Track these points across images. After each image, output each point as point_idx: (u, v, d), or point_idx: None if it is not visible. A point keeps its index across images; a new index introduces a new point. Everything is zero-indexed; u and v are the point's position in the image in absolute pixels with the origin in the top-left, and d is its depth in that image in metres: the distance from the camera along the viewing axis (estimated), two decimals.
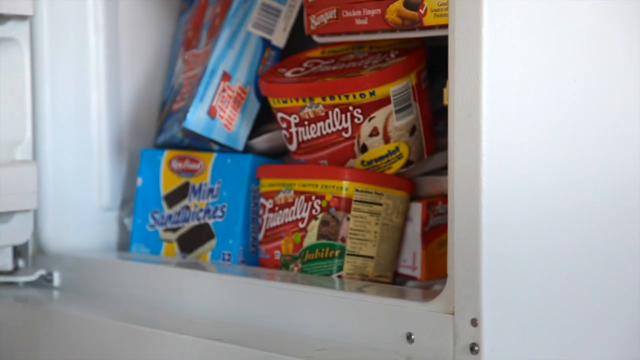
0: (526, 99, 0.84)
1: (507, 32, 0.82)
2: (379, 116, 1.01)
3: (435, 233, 1.06)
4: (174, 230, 1.16)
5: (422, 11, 0.96)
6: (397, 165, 1.04)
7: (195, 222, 1.14)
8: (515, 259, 0.83)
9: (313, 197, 1.03)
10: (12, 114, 1.15)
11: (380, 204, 1.03)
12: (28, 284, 1.17)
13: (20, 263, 1.19)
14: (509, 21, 0.82)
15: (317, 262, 1.03)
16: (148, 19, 1.26)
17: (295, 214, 1.05)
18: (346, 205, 1.02)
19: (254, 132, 1.16)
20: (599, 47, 0.88)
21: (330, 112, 1.02)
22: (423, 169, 1.08)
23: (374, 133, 1.02)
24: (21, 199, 1.10)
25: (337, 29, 1.03)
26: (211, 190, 1.13)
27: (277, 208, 1.07)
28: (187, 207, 1.15)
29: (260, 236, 1.08)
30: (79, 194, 1.21)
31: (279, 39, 1.14)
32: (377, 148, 1.03)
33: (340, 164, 1.04)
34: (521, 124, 0.83)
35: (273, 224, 1.07)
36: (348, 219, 1.02)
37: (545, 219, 0.85)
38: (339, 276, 1.02)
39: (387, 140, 1.02)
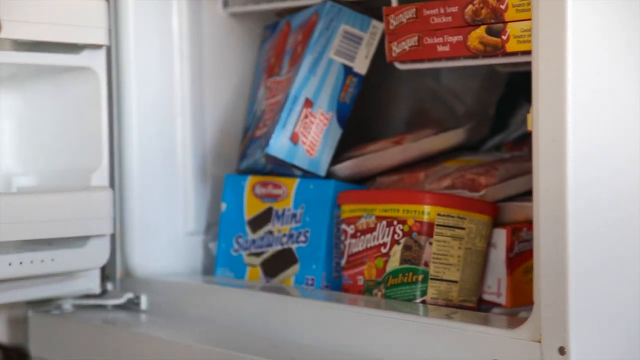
0: (611, 123, 0.83)
1: (591, 57, 0.81)
2: None
3: (521, 259, 1.05)
4: (258, 254, 1.18)
5: (504, 37, 0.96)
6: None
7: (278, 247, 1.16)
8: (603, 287, 0.82)
9: (395, 222, 1.04)
10: (88, 141, 1.17)
11: (463, 228, 1.03)
12: (116, 307, 1.20)
13: (109, 286, 1.21)
14: (593, 46, 0.81)
15: (400, 287, 1.03)
16: (231, 48, 1.28)
17: (378, 239, 1.05)
18: (428, 229, 1.02)
19: (336, 159, 1.17)
20: None
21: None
22: (507, 192, 1.07)
23: None
24: (95, 224, 1.11)
25: (419, 55, 1.03)
26: (294, 216, 1.15)
27: (358, 234, 1.07)
28: (271, 232, 1.16)
29: (343, 262, 1.09)
30: (165, 219, 1.23)
31: (361, 66, 1.15)
32: None
33: None
34: (606, 149, 0.82)
35: (355, 250, 1.08)
36: (431, 243, 1.02)
37: (634, 245, 0.84)
38: (423, 301, 1.02)
39: None
